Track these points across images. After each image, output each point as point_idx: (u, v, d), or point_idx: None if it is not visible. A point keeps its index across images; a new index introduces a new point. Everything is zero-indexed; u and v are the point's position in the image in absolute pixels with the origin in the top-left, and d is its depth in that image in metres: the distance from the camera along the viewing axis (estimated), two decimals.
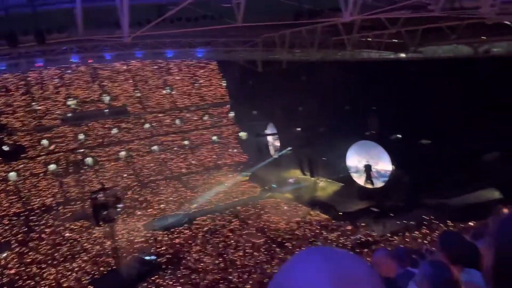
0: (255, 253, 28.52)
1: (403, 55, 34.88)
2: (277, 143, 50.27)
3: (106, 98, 49.53)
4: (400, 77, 40.31)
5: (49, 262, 30.07)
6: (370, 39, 31.66)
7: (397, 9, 18.63)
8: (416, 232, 27.41)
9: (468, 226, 20.41)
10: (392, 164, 34.65)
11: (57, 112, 46.89)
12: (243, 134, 54.89)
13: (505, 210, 19.17)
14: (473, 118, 35.61)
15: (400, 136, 44.93)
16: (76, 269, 28.54)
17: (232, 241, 30.88)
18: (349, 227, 31.93)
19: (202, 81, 55.86)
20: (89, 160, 46.02)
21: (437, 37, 29.86)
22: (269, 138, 51.44)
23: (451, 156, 35.08)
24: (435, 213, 30.39)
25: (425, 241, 23.02)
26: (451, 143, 36.78)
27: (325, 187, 41.69)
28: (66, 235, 34.90)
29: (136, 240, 32.77)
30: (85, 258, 30.23)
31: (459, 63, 34.10)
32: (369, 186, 36.73)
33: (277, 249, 29.08)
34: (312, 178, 42.42)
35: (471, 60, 32.83)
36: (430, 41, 32.01)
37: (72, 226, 36.43)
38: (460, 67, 35.46)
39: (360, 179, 37.55)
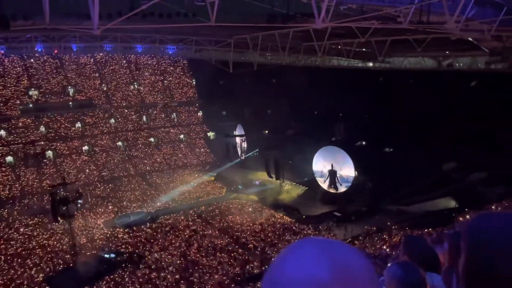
0: (218, 254, 28.38)
1: (371, 64, 35.75)
2: (245, 145, 50.36)
3: (71, 90, 48.09)
4: (367, 85, 41.40)
5: (1, 258, 28.77)
6: (340, 47, 32.27)
7: (368, 19, 19.10)
8: (376, 237, 28.05)
9: (425, 232, 21.10)
10: (356, 170, 35.40)
11: (17, 102, 45.10)
12: (211, 134, 54.66)
13: (461, 219, 20.02)
14: (434, 129, 37.01)
15: (364, 143, 46.12)
16: (30, 266, 27.43)
17: (195, 241, 30.61)
18: (311, 230, 32.33)
19: (171, 78, 55.25)
20: (49, 153, 44.48)
21: (404, 48, 30.80)
22: (237, 139, 51.47)
23: (412, 165, 36.28)
24: (395, 219, 31.28)
25: (384, 246, 23.61)
26: (413, 152, 38.07)
27: (290, 190, 42.10)
28: (21, 230, 33.54)
29: (95, 238, 31.91)
30: (41, 254, 29.12)
31: (424, 75, 35.37)
32: (332, 191, 37.37)
33: (240, 250, 29.06)
34: (278, 181, 42.72)
35: (435, 73, 34.09)
36: (397, 52, 32.98)
37: (28, 221, 35.06)
38: (425, 79, 36.81)
39: (324, 184, 38.15)
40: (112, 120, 49.70)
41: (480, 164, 33.23)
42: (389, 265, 2.52)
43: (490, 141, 31.99)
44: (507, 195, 24.77)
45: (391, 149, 43.39)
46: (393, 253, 14.05)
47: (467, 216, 22.37)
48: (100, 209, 38.09)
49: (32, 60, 46.60)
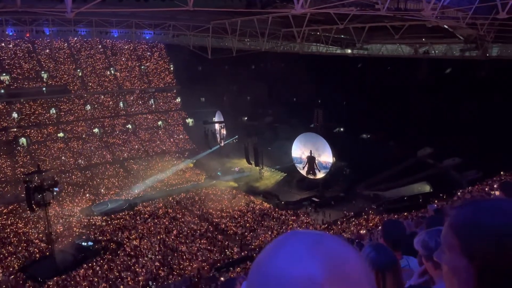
0: (197, 240, 28.43)
1: (349, 51, 35.95)
2: (224, 131, 50.19)
3: (44, 76, 46.75)
4: (346, 72, 41.76)
5: None
6: (319, 33, 32.28)
7: (346, 5, 19.12)
8: (353, 221, 28.59)
9: (402, 216, 21.59)
10: (333, 156, 35.81)
11: None
12: (190, 121, 54.22)
13: (436, 202, 20.56)
14: (410, 116, 37.70)
15: (342, 129, 46.66)
16: (6, 254, 26.86)
17: (174, 228, 30.55)
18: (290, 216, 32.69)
19: (148, 64, 54.33)
20: (23, 140, 43.32)
21: (382, 35, 31.06)
22: (216, 126, 51.20)
23: (388, 151, 37.00)
24: (372, 204, 31.93)
25: (361, 230, 24.07)
26: (389, 138, 38.79)
27: (269, 176, 42.33)
28: None
29: (72, 226, 31.45)
30: (16, 243, 28.54)
31: (401, 62, 35.85)
32: (311, 176, 37.76)
33: (219, 236, 29.18)
34: (257, 167, 42.87)
35: (412, 60, 34.58)
36: (375, 39, 33.24)
37: (2, 210, 34.25)
38: (402, 66, 37.32)
39: (303, 170, 38.48)
40: (88, 106, 48.66)
41: (454, 150, 34.15)
42: (364, 247, 2.56)
43: (463, 128, 32.81)
44: (479, 180, 25.54)
45: (368, 136, 44.08)
46: (371, 237, 14.34)
47: (439, 201, 22.99)
48: (77, 197, 37.49)
49: (3, 44, 44.98)
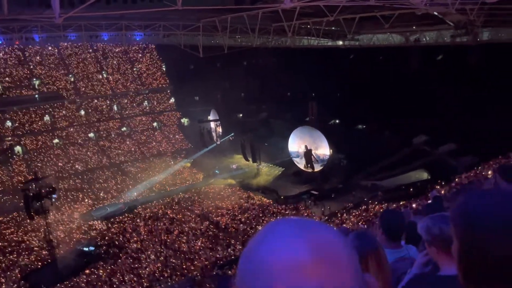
0: (198, 239, 28.46)
1: (340, 42, 35.96)
2: (220, 129, 50.14)
3: (36, 83, 46.45)
4: (338, 64, 41.73)
5: None
6: (310, 26, 32.25)
7: None
8: (353, 212, 28.68)
9: (401, 205, 21.68)
10: (330, 148, 35.88)
11: None
12: (185, 120, 54.09)
13: (438, 189, 20.64)
14: (405, 104, 37.75)
15: (338, 121, 46.70)
16: (8, 264, 26.79)
17: (175, 228, 30.56)
18: (290, 210, 32.76)
19: (140, 65, 54.07)
20: (18, 148, 43.08)
21: (372, 25, 31.08)
22: (212, 124, 51.14)
23: (384, 140, 37.10)
24: (370, 194, 32.02)
25: (361, 221, 24.15)
26: (384, 128, 38.88)
27: (267, 172, 42.37)
28: None
29: (73, 232, 31.40)
30: (18, 251, 28.46)
31: (392, 51, 35.89)
32: (309, 170, 37.82)
33: (220, 234, 29.22)
34: (255, 164, 42.89)
35: (403, 48, 34.63)
36: (366, 30, 33.25)
37: (2, 219, 34.11)
38: (393, 55, 37.36)
39: (301, 164, 38.54)
40: (82, 112, 48.41)
41: (449, 136, 34.28)
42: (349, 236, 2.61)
43: (457, 113, 32.90)
44: (475, 165, 25.66)
45: (364, 126, 44.14)
46: (370, 227, 14.40)
47: (438, 187, 23.06)
48: (76, 203, 37.38)
49: None
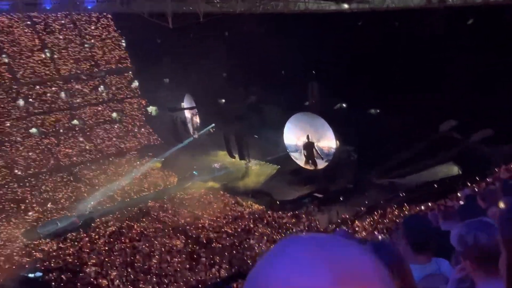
0: (174, 259, 28.49)
1: (346, 5, 35.95)
2: (197, 119, 50.02)
3: None
4: (343, 33, 41.69)
5: None
6: None
7: None
8: (367, 219, 28.87)
9: (427, 207, 21.85)
10: (337, 140, 35.99)
11: None
12: (152, 109, 53.88)
13: (472, 186, 20.83)
14: (427, 82, 37.92)
15: (345, 105, 46.81)
16: None
17: (144, 246, 30.55)
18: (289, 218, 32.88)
19: (93, 41, 53.60)
20: None
21: None
22: (187, 113, 50.99)
23: (404, 128, 37.23)
24: (388, 195, 32.22)
25: (377, 229, 24.35)
26: (403, 112, 38.99)
27: (259, 171, 42.46)
28: None
29: (14, 254, 31.21)
30: None
31: (412, 15, 35.91)
32: (311, 167, 37.94)
33: (201, 252, 29.26)
34: (242, 161, 42.91)
35: (424, 12, 34.66)
36: None
37: None
38: (412, 19, 37.40)
39: (300, 160, 38.63)
40: (21, 101, 47.90)
41: (484, 120, 34.53)
42: None
43: (494, 91, 33.12)
44: None
45: (378, 110, 44.29)
46: (390, 236, 14.52)
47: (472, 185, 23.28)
48: (16, 217, 37.10)
49: None
